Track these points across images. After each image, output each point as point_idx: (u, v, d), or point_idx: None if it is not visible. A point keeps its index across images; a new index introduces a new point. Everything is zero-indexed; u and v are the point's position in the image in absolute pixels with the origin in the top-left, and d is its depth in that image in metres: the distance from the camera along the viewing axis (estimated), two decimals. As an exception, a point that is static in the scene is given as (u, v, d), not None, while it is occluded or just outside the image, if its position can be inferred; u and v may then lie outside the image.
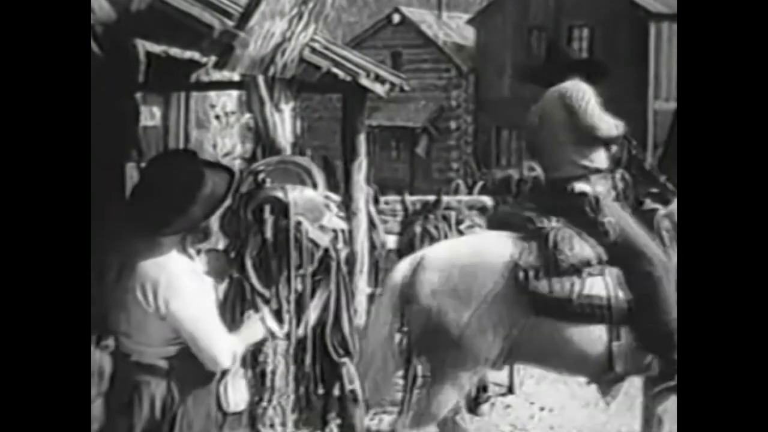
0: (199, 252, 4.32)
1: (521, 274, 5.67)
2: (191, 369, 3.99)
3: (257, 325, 4.34)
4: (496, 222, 6.28)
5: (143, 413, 3.96)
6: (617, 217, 5.87)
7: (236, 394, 4.18)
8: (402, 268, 5.89)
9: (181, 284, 3.93)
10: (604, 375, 5.89)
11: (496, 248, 5.79)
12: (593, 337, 5.74)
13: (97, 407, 3.92)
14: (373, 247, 8.46)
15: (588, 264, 5.75)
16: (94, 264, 3.56)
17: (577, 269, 5.72)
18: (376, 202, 9.53)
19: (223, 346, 4.00)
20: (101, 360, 4.22)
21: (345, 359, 5.43)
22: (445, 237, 7.56)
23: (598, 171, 5.98)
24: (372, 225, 8.58)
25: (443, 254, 5.90)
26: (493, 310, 5.64)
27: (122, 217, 4.12)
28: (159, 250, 3.96)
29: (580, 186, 5.92)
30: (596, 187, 5.93)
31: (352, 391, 5.53)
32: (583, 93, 5.96)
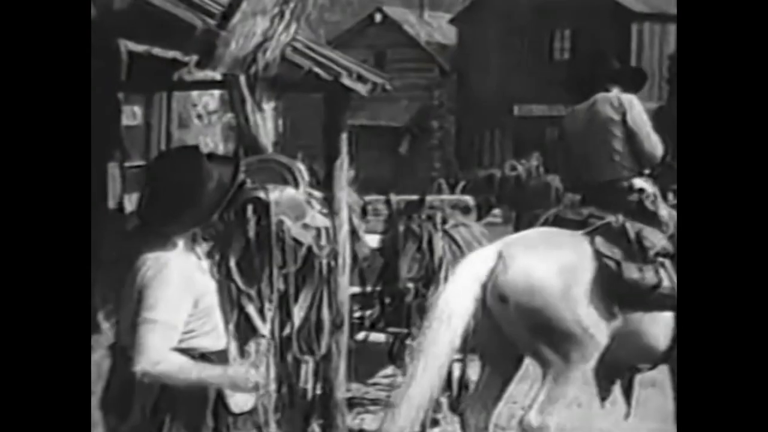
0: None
1: (612, 264, 5.73)
2: None
3: (237, 377, 4.01)
4: (551, 225, 6.30)
5: (135, 412, 3.94)
6: (668, 211, 6.00)
7: (240, 395, 4.15)
8: (482, 261, 5.79)
9: (166, 281, 3.88)
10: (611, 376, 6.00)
11: (573, 245, 5.82)
12: (662, 324, 5.82)
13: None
14: (355, 258, 8.43)
15: (666, 253, 5.84)
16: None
17: (656, 257, 5.81)
18: (364, 214, 9.38)
19: (152, 353, 3.78)
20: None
21: (307, 357, 5.41)
22: (429, 236, 7.56)
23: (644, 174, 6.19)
24: (356, 237, 8.53)
25: (525, 254, 5.79)
26: (597, 305, 5.68)
27: (134, 221, 4.11)
28: (165, 245, 3.95)
29: (639, 182, 6.07)
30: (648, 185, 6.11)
31: (304, 390, 5.51)
32: (641, 114, 6.11)
